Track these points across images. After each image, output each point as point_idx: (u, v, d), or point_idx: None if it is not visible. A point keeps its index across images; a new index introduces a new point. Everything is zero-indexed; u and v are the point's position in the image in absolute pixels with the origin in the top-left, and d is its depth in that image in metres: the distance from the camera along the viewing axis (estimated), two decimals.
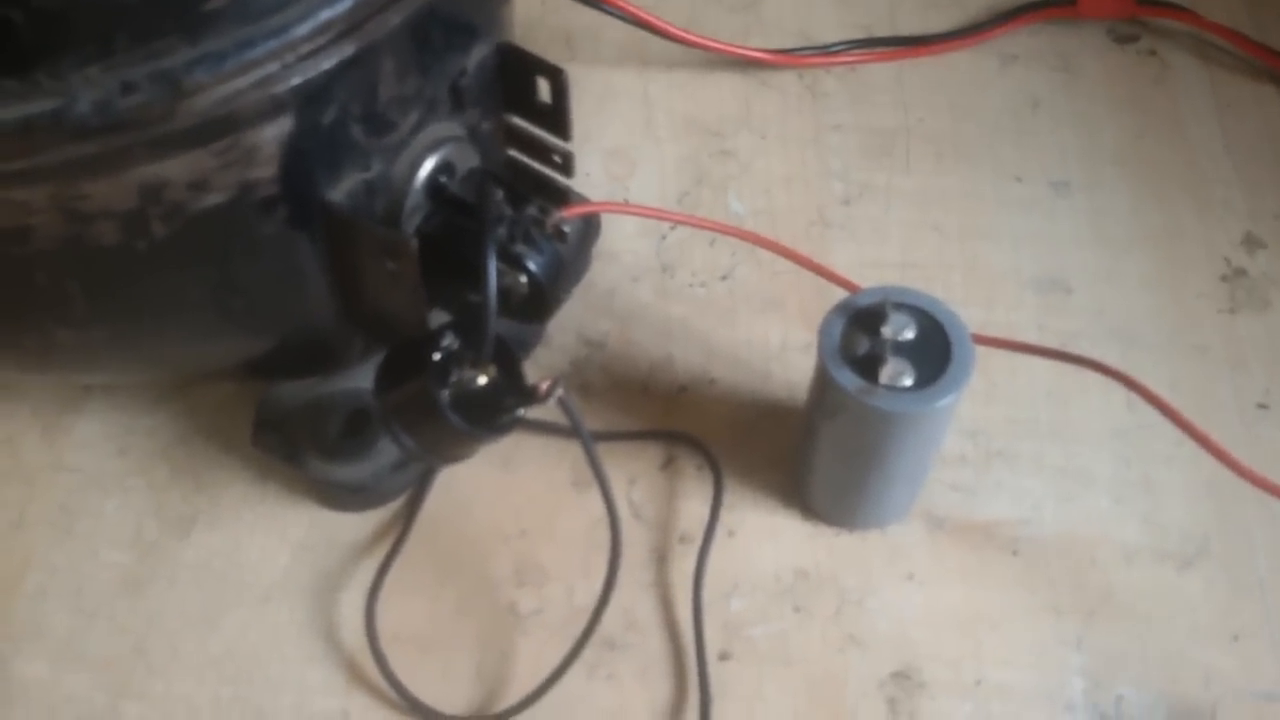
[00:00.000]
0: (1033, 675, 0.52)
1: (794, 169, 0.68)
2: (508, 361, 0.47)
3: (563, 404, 0.46)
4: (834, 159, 0.69)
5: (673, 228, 0.65)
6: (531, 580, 0.54)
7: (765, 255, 0.64)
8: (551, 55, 0.51)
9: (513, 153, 0.55)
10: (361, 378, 0.52)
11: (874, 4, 0.75)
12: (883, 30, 0.74)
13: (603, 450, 0.54)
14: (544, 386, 0.45)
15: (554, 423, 0.57)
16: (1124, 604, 0.54)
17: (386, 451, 0.53)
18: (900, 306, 0.49)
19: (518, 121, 0.53)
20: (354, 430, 0.53)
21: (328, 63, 0.41)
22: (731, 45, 0.71)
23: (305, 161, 0.43)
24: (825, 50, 0.73)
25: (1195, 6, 0.73)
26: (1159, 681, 0.52)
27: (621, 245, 0.65)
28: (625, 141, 0.69)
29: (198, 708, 0.50)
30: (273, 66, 0.40)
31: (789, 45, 0.73)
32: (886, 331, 0.48)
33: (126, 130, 0.39)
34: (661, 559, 0.55)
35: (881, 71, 0.73)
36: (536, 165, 0.54)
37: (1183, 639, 0.53)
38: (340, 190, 0.45)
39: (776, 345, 0.61)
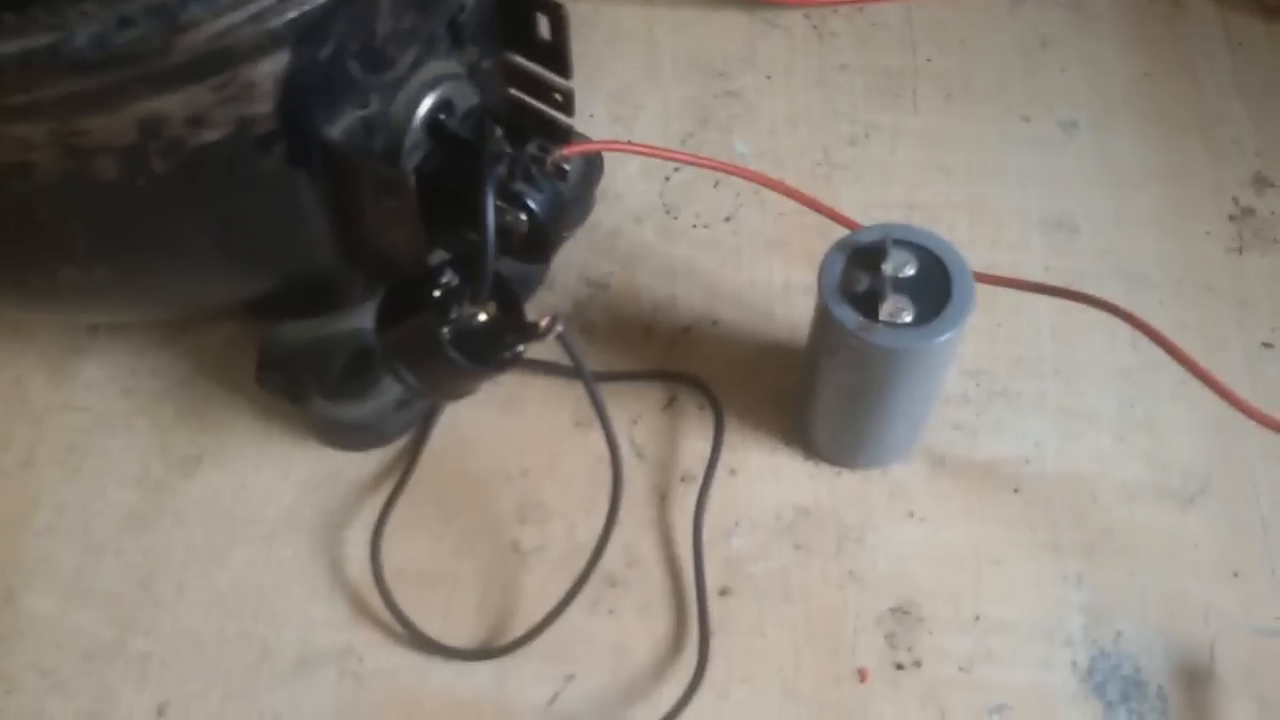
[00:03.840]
0: (1032, 611, 0.52)
1: (800, 110, 0.68)
2: (508, 299, 0.47)
3: (563, 340, 0.46)
4: (840, 99, 0.69)
5: (676, 169, 0.65)
6: (534, 518, 0.54)
7: (769, 197, 0.63)
8: None
9: (514, 91, 0.54)
10: (363, 318, 0.52)
11: None
12: None
13: (605, 391, 0.55)
14: (544, 323, 0.45)
15: (556, 363, 0.57)
16: (1124, 542, 0.54)
17: (389, 390, 0.53)
18: (901, 243, 0.49)
19: (518, 59, 0.53)
20: (357, 369, 0.53)
21: None
22: None
23: (302, 97, 0.43)
24: None
25: None
26: (1158, 618, 0.52)
27: (625, 186, 0.64)
28: (630, 82, 0.69)
29: (203, 642, 0.51)
30: (268, 0, 0.40)
31: None
32: (887, 268, 0.48)
33: (124, 65, 0.39)
34: (663, 497, 0.55)
35: (890, 11, 0.72)
36: (537, 104, 0.54)
37: (1183, 576, 0.53)
38: (338, 127, 0.45)
39: (780, 286, 0.61)
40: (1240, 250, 0.63)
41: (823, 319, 0.49)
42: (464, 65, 0.50)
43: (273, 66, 0.42)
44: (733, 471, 0.56)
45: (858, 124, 0.67)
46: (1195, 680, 0.51)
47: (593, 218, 0.63)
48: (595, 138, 0.64)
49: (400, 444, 0.56)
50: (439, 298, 0.45)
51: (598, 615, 0.52)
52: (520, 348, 0.46)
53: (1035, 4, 0.72)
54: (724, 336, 0.60)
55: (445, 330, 0.45)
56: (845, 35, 0.71)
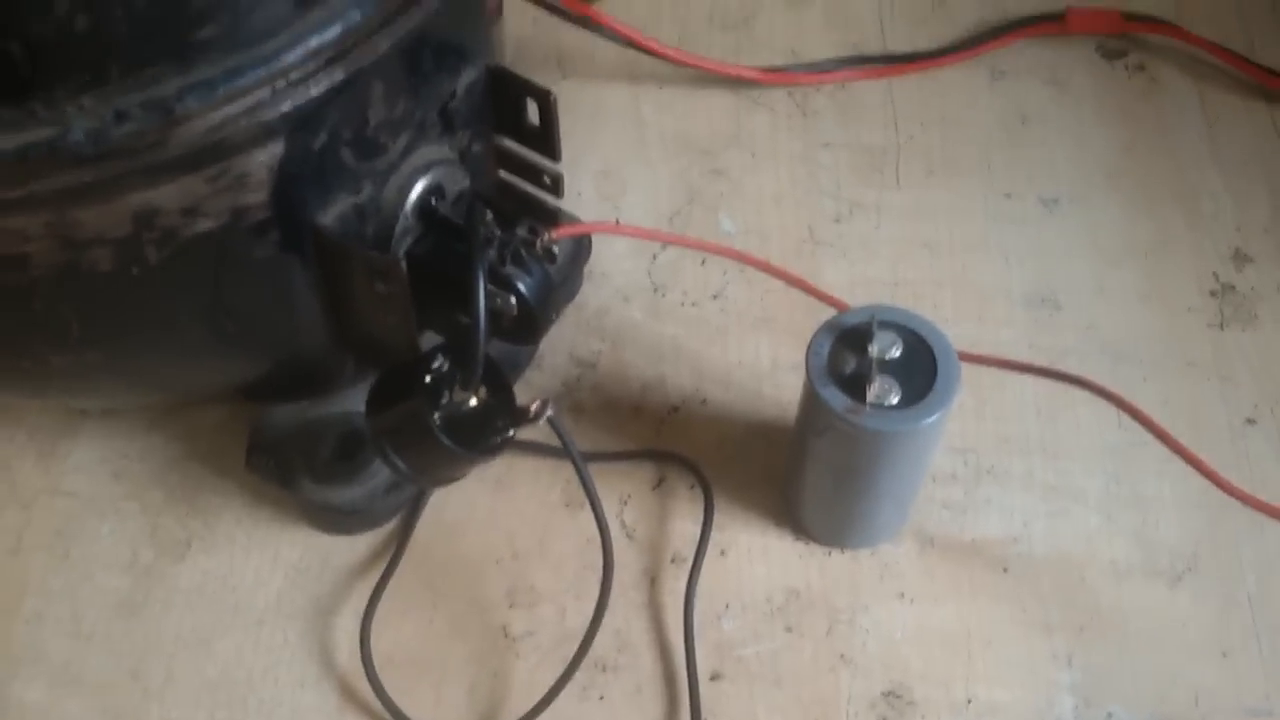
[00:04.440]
0: (1023, 693, 0.52)
1: (784, 187, 0.69)
2: (498, 383, 0.47)
3: (553, 424, 0.46)
4: (824, 176, 0.69)
5: (664, 247, 0.66)
6: (524, 601, 0.54)
7: (756, 274, 0.64)
8: (543, 75, 0.52)
9: (504, 174, 0.55)
10: (354, 401, 0.53)
11: (864, 22, 0.76)
12: (873, 48, 0.74)
13: (595, 471, 0.55)
14: (534, 407, 0.45)
15: (546, 444, 0.57)
16: (1114, 621, 0.54)
17: (379, 474, 0.53)
18: (886, 324, 0.49)
19: (508, 143, 0.53)
20: (347, 453, 0.53)
21: (317, 89, 0.41)
22: (722, 64, 0.72)
23: (296, 186, 0.44)
24: (815, 68, 0.73)
25: (1183, 22, 0.74)
26: (1149, 699, 0.52)
27: (613, 265, 0.65)
28: (617, 161, 0.70)
29: None
30: (263, 93, 0.40)
31: (779, 64, 0.73)
32: (873, 350, 0.49)
33: (120, 158, 0.39)
34: (653, 579, 0.55)
35: (871, 89, 0.73)
36: (527, 187, 0.55)
37: (1172, 656, 0.53)
38: (331, 214, 0.46)
39: (768, 365, 0.62)
40: (1221, 326, 0.64)
41: (810, 401, 0.50)
42: (455, 150, 0.50)
43: (267, 157, 0.42)
44: (723, 552, 0.56)
45: (841, 201, 0.68)
46: None
47: (580, 296, 0.63)
48: (583, 216, 0.64)
49: (390, 527, 0.56)
50: (430, 383, 0.45)
51: (588, 701, 0.52)
52: (510, 432, 0.47)
53: (1015, 80, 0.74)
54: (713, 416, 0.60)
55: (436, 416, 0.45)
56: (828, 113, 0.72)
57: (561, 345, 0.62)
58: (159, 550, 0.55)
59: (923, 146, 0.71)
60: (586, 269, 0.63)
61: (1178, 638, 0.54)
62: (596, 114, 0.72)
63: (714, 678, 0.52)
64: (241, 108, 0.40)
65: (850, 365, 0.49)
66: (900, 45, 0.74)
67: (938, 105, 0.73)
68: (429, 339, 0.48)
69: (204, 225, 0.43)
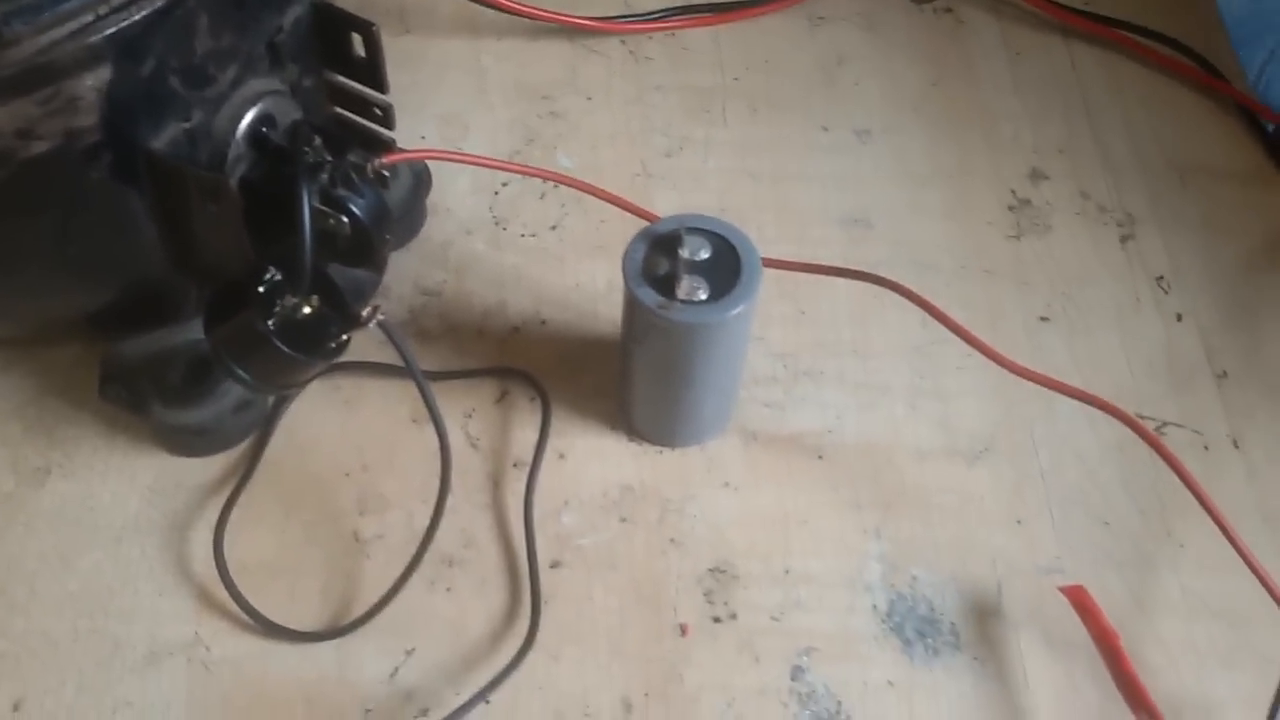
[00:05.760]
0: (836, 563, 0.57)
1: (619, 126, 0.73)
2: (332, 293, 0.51)
3: (385, 329, 0.50)
4: (656, 116, 0.74)
5: (505, 183, 0.70)
6: (373, 509, 0.58)
7: (592, 206, 0.68)
8: (387, 29, 0.55)
9: (338, 109, 0.58)
10: (200, 330, 0.55)
11: None
12: None
13: (440, 388, 0.59)
14: (365, 312, 0.49)
15: (392, 364, 0.61)
16: (918, 497, 0.59)
17: (227, 395, 0.56)
18: (695, 231, 0.54)
19: (338, 77, 0.57)
20: (195, 377, 0.56)
21: (140, 13, 0.44)
22: (558, 13, 0.75)
23: (126, 110, 0.47)
24: (647, 17, 0.77)
25: None
26: (950, 563, 0.57)
27: (456, 201, 0.69)
28: (458, 107, 0.73)
29: (56, 640, 0.53)
30: (87, 17, 0.43)
31: (613, 14, 0.77)
32: (683, 253, 0.53)
33: None
34: (496, 483, 0.59)
35: (700, 36, 0.78)
36: (359, 119, 0.58)
37: (971, 525, 0.59)
38: (163, 139, 0.49)
39: (603, 287, 0.66)
40: (1019, 237, 0.69)
41: (628, 302, 0.54)
42: (285, 83, 0.54)
43: (95, 81, 0.45)
44: (561, 456, 0.60)
45: (672, 138, 0.73)
46: (985, 616, 0.56)
47: (425, 231, 0.67)
48: None
49: (242, 449, 0.59)
50: (263, 293, 0.48)
51: (436, 593, 0.55)
52: (345, 336, 0.50)
53: (832, 25, 0.79)
54: (551, 335, 0.64)
55: (270, 322, 0.48)
56: (659, 58, 0.76)
57: (407, 276, 0.65)
58: (20, 479, 0.57)
59: (747, 87, 0.76)
60: (430, 204, 0.67)
61: (976, 509, 0.59)
62: (439, 65, 0.75)
63: (554, 565, 0.56)
64: (67, 30, 0.43)
65: (663, 268, 0.53)
66: None
67: (761, 50, 0.78)
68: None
69: (38, 148, 0.45)
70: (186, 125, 0.49)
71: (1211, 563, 0.57)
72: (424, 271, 0.66)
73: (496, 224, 0.68)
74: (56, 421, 0.59)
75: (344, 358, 0.57)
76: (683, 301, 0.52)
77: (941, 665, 0.54)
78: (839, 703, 0.53)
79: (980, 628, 0.55)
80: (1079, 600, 0.54)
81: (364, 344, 0.59)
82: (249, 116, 0.51)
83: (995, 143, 0.74)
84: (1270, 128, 0.74)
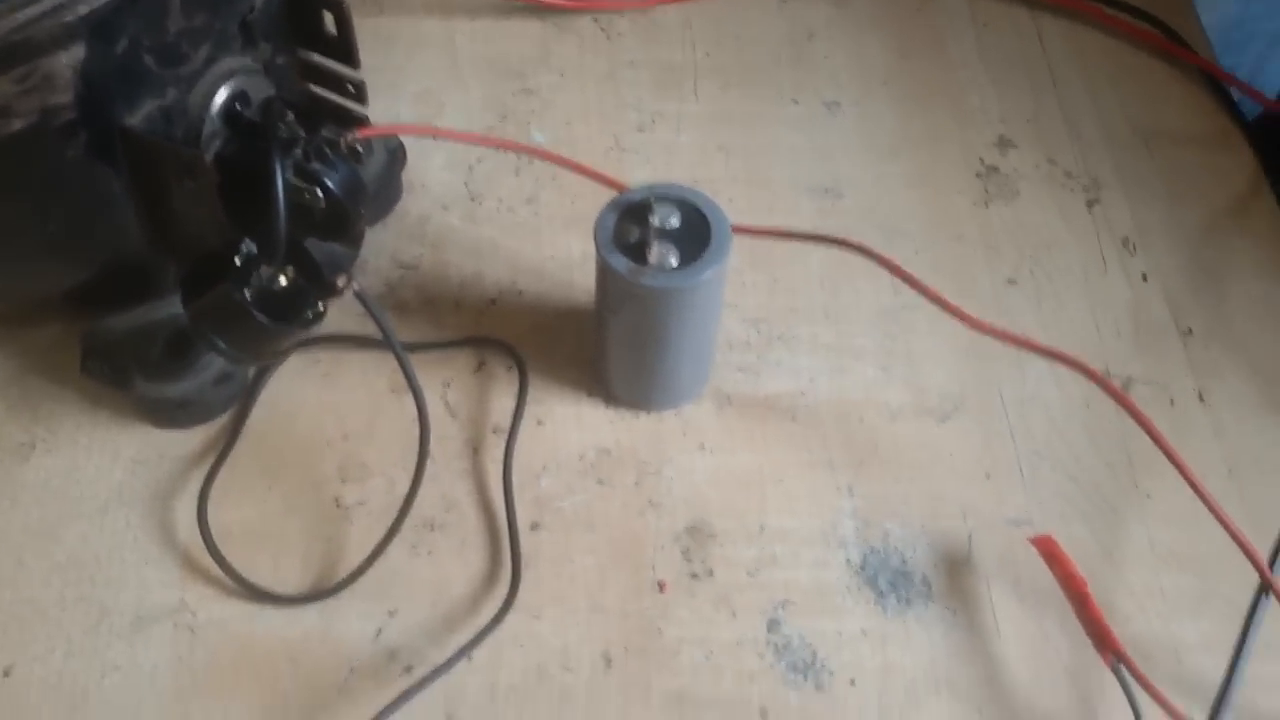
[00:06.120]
0: (810, 519, 0.58)
1: (591, 102, 0.74)
2: (307, 264, 0.52)
3: (360, 298, 0.51)
4: (628, 92, 0.75)
5: (480, 159, 0.71)
6: (354, 477, 0.59)
7: (567, 181, 0.69)
8: (360, 10, 0.56)
9: (312, 86, 0.59)
10: (179, 305, 0.56)
11: None
12: None
13: (418, 359, 0.60)
14: (340, 281, 0.50)
15: (370, 337, 0.62)
16: (889, 455, 0.60)
17: (208, 367, 0.57)
18: (664, 199, 0.55)
19: (310, 55, 0.58)
20: (176, 350, 0.57)
21: None
22: None
23: (101, 88, 0.48)
24: None
25: None
26: (921, 517, 0.59)
27: (431, 177, 0.70)
28: (432, 86, 0.74)
29: (44, 609, 0.54)
30: None
31: None
32: (654, 221, 0.54)
33: None
34: (476, 449, 0.60)
35: (670, 12, 0.79)
36: (334, 97, 0.59)
37: (942, 481, 0.60)
38: (138, 116, 0.50)
39: (578, 257, 0.67)
40: (986, 204, 0.71)
41: (601, 270, 0.55)
42: (258, 61, 0.55)
43: (70, 59, 0.46)
44: (539, 422, 0.61)
45: (644, 113, 0.74)
46: (956, 567, 0.57)
47: (401, 206, 0.68)
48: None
49: (223, 421, 0.60)
50: (239, 265, 0.49)
51: (418, 556, 0.56)
52: (321, 306, 0.51)
53: (800, 1, 0.80)
54: (528, 305, 0.65)
55: (247, 293, 0.49)
56: (630, 35, 0.78)
57: (384, 251, 0.66)
58: (4, 454, 0.58)
59: (718, 63, 0.77)
60: (406, 181, 0.68)
61: (946, 465, 0.60)
62: (412, 45, 0.76)
63: (534, 527, 0.57)
64: (42, 9, 0.44)
65: (634, 235, 0.55)
66: None
67: (732, 26, 0.79)
68: None
69: (15, 125, 0.46)
70: (161, 103, 0.50)
71: (1178, 514, 0.58)
72: (400, 246, 0.67)
73: (472, 199, 0.69)
74: (39, 398, 0.60)
75: (322, 331, 0.58)
76: (654, 268, 0.53)
77: (914, 616, 0.56)
78: (814, 653, 0.54)
79: (951, 579, 0.57)
80: (1047, 549, 0.55)
81: (342, 317, 0.61)
82: (223, 94, 0.52)
83: (963, 113, 0.75)
84: (1236, 95, 0.76)
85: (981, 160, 0.73)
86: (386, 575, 0.55)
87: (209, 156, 0.52)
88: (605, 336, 0.59)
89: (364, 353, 0.62)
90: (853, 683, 0.54)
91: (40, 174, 0.49)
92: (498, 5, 0.78)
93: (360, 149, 0.55)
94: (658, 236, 0.54)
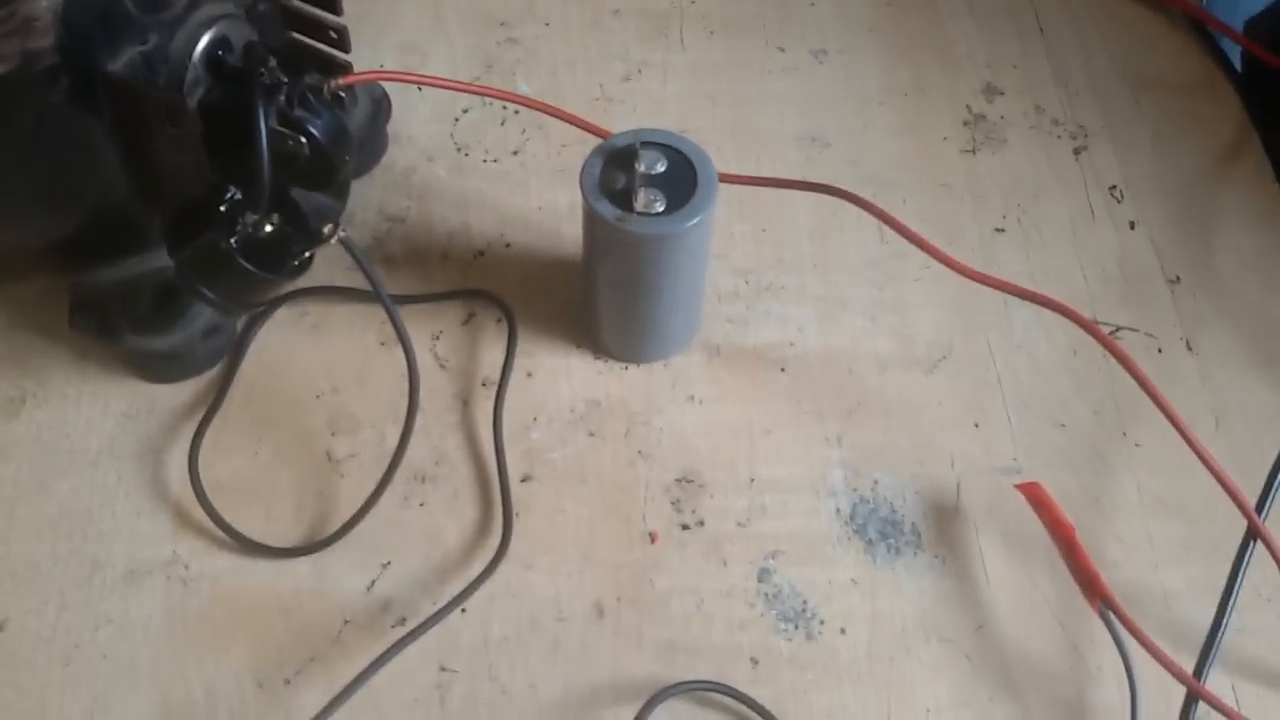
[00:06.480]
0: (799, 469, 0.58)
1: (576, 52, 0.74)
2: (293, 212, 0.51)
3: (347, 246, 0.51)
4: (614, 41, 0.74)
5: (466, 110, 0.70)
6: (345, 429, 0.59)
7: (553, 131, 0.69)
8: None
9: (294, 34, 0.59)
10: (166, 258, 0.56)
11: None
12: None
13: (407, 311, 0.60)
14: (326, 229, 0.50)
15: (358, 289, 0.61)
16: (878, 404, 0.61)
17: (196, 320, 0.57)
18: (650, 145, 0.55)
19: (294, 3, 0.57)
20: (164, 303, 0.56)
21: None
22: None
23: (82, 32, 0.47)
24: None
25: None
26: (910, 466, 0.59)
27: (417, 129, 0.69)
28: (416, 36, 0.73)
29: (36, 563, 0.54)
30: None
31: None
32: (640, 167, 0.54)
33: None
34: (465, 402, 0.60)
35: None
36: (315, 43, 0.58)
37: (930, 430, 0.60)
38: (120, 61, 0.49)
39: (566, 208, 0.67)
40: (974, 151, 0.70)
41: (588, 217, 0.55)
42: (240, 7, 0.54)
43: (50, 2, 0.45)
44: (529, 374, 0.61)
45: (630, 62, 0.73)
46: (944, 516, 0.58)
47: (387, 158, 0.67)
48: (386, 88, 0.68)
49: (213, 374, 0.60)
50: (224, 213, 0.49)
51: (410, 509, 0.56)
52: (308, 254, 0.51)
53: None
54: (516, 256, 0.65)
55: (233, 241, 0.49)
56: None
57: (370, 203, 0.66)
58: None
59: (704, 11, 0.76)
60: (391, 133, 0.68)
61: (934, 415, 0.60)
62: None
63: (524, 479, 0.57)
64: None
65: (620, 182, 0.54)
66: None
67: None
68: None
69: None
70: (143, 48, 0.50)
71: (1166, 462, 0.59)
72: (387, 198, 0.66)
73: (458, 150, 0.69)
74: (28, 353, 0.60)
75: (310, 283, 0.58)
76: (640, 214, 0.53)
77: (903, 564, 0.56)
78: (804, 601, 0.55)
79: (940, 528, 0.57)
80: (1034, 495, 0.55)
81: (330, 269, 0.61)
82: (205, 40, 0.52)
83: (950, 60, 0.74)
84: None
85: (968, 108, 0.72)
86: (378, 528, 0.55)
87: (192, 103, 0.51)
88: (593, 287, 0.59)
89: (352, 305, 0.62)
90: (843, 631, 0.54)
91: (22, 120, 0.48)
92: None
93: (344, 96, 0.55)
94: (644, 183, 0.54)
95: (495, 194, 0.67)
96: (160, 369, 0.58)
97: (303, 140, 0.52)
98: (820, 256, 0.66)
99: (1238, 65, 0.75)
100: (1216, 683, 0.53)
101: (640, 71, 0.73)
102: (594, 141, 0.59)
